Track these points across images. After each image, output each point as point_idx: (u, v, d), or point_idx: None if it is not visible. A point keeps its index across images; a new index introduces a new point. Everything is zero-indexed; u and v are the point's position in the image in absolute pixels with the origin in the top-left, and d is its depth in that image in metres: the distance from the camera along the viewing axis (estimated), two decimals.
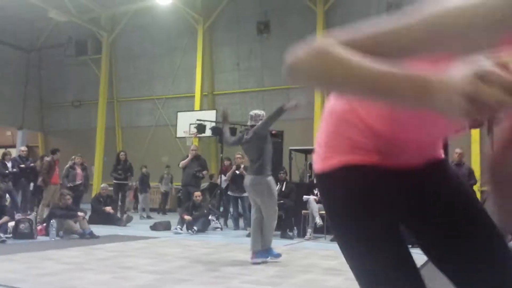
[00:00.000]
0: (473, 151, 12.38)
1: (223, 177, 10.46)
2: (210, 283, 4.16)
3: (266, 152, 5.36)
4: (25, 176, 10.68)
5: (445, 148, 8.13)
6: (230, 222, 10.36)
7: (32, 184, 11.12)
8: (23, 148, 11.06)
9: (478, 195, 9.19)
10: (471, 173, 8.25)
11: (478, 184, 8.79)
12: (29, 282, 4.02)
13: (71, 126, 19.96)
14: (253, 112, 5.64)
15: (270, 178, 5.39)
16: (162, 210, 14.52)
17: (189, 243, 7.05)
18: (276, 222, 5.49)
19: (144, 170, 13.28)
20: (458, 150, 8.32)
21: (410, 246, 1.13)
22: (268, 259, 5.36)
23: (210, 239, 7.96)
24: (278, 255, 5.42)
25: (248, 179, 5.46)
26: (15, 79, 19.63)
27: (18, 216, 7.55)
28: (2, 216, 7.19)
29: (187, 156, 10.25)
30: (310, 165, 10.66)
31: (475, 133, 10.64)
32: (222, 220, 10.19)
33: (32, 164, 10.98)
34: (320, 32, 15.04)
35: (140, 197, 13.25)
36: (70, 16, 16.95)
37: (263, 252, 5.33)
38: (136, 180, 13.15)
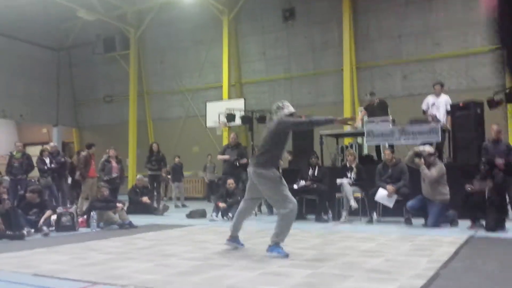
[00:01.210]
0: (511, 127, 12.04)
1: None
2: (249, 268, 4.20)
3: (272, 149, 5.02)
4: (57, 171, 10.85)
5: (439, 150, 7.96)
6: (264, 208, 10.42)
7: (70, 179, 11.42)
8: (52, 144, 11.32)
9: None
10: (510, 149, 8.01)
11: None
12: (74, 272, 4.11)
13: (104, 121, 20.39)
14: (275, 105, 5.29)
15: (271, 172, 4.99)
16: (207, 198, 14.57)
17: (225, 230, 7.10)
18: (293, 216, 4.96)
19: (177, 160, 13.46)
20: (494, 127, 8.10)
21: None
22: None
23: (245, 225, 8.00)
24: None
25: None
26: (47, 78, 20.15)
27: (59, 209, 7.77)
28: (44, 211, 7.43)
29: (224, 147, 10.30)
30: (342, 149, 10.59)
31: None
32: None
33: (62, 159, 11.23)
34: (346, 16, 14.80)
35: (173, 186, 13.45)
36: (98, 15, 17.23)
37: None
38: (168, 170, 13.35)
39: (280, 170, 5.19)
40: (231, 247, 5.32)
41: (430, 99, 9.51)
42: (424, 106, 9.51)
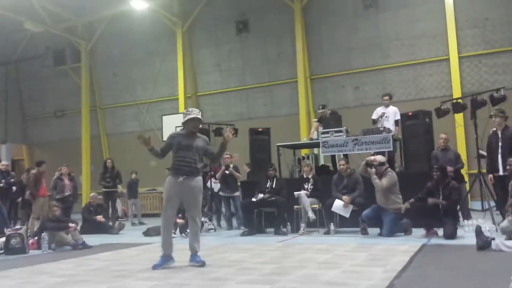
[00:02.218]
0: (458, 135, 12.56)
1: (213, 180, 10.42)
2: (207, 286, 4.16)
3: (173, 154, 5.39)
4: (3, 192, 10.36)
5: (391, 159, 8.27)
6: (223, 222, 10.36)
7: (20, 198, 10.95)
8: (4, 162, 10.81)
9: (466, 178, 9.34)
10: (457, 157, 8.36)
11: (465, 167, 8.92)
12: None
13: (55, 136, 19.74)
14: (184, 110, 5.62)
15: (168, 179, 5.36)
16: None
17: (184, 246, 7.01)
18: (161, 226, 5.37)
19: (134, 176, 13.17)
20: (443, 136, 8.42)
21: None
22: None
23: (204, 240, 7.92)
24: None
25: None
26: None
27: (8, 231, 7.44)
28: None
29: None
30: (299, 160, 10.71)
31: (459, 117, 10.78)
32: (215, 221, 10.18)
33: (12, 180, 10.78)
34: (298, 28, 15.09)
35: (129, 203, 13.15)
36: (45, 27, 16.76)
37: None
38: (124, 186, 13.03)
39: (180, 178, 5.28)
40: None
41: (379, 110, 9.84)
42: (374, 116, 9.82)
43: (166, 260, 5.28)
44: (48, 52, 18.95)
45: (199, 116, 5.41)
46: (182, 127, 5.52)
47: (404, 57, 14.25)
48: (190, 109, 5.50)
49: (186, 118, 5.35)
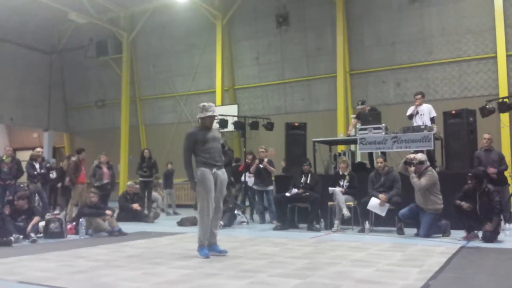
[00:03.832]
0: (503, 136, 12.07)
1: (247, 174, 10.42)
2: (238, 277, 4.15)
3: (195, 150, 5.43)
4: (42, 178, 10.62)
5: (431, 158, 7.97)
6: (256, 216, 10.36)
7: (59, 184, 11.29)
8: (39, 149, 11.12)
9: (509, 180, 8.95)
10: (501, 158, 8.02)
11: (509, 169, 8.56)
12: (61, 280, 4.07)
13: (96, 126, 20.26)
14: (201, 104, 5.58)
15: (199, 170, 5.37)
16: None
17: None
18: (204, 217, 5.34)
19: (169, 166, 13.33)
20: (486, 136, 8.10)
21: None
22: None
23: (237, 233, 7.97)
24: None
25: None
26: (38, 81, 20.04)
27: (48, 216, 7.68)
28: (32, 217, 7.34)
29: None
30: (335, 157, 10.56)
31: (505, 117, 10.35)
32: (247, 214, 10.20)
33: (48, 165, 11.11)
34: (340, 22, 14.84)
35: (165, 193, 13.33)
36: (89, 18, 17.17)
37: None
38: (160, 176, 13.23)
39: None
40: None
41: (412, 108, 9.47)
42: (408, 113, 9.49)
43: (212, 249, 5.41)
44: (91, 43, 19.43)
45: (214, 113, 5.54)
46: (217, 120, 5.59)
47: (449, 53, 13.77)
48: (207, 105, 5.55)
49: (206, 114, 5.45)
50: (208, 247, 5.41)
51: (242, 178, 10.38)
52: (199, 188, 5.36)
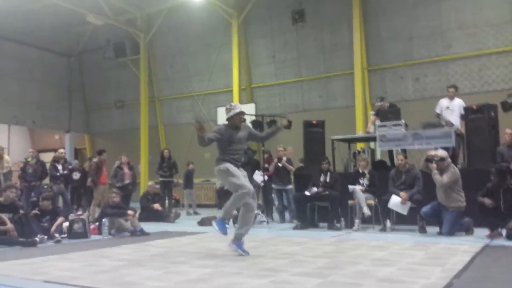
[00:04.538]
0: None
1: (257, 172, 10.33)
2: (259, 276, 4.17)
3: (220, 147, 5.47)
4: (64, 179, 10.67)
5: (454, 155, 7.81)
6: (275, 215, 10.36)
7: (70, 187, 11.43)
8: (62, 150, 11.27)
9: None
10: None
11: None
12: (86, 280, 4.13)
13: (116, 126, 20.50)
14: (225, 107, 5.62)
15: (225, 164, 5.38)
16: (219, 205, 14.34)
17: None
18: (240, 195, 5.29)
19: (190, 166, 13.40)
20: (509, 131, 7.97)
21: None
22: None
23: (257, 232, 7.98)
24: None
25: None
26: (58, 84, 20.37)
27: (72, 216, 7.82)
28: (56, 218, 7.47)
29: None
30: (354, 154, 10.49)
31: None
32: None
33: (70, 166, 11.30)
34: (356, 17, 14.72)
35: (185, 193, 13.42)
36: (107, 19, 17.36)
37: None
38: (180, 176, 13.32)
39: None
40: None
41: (444, 102, 9.38)
42: (437, 110, 9.39)
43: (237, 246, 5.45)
44: (108, 45, 19.64)
45: (243, 110, 5.60)
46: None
47: (468, 47, 13.54)
48: (233, 104, 5.62)
49: (232, 113, 5.47)
50: (236, 242, 5.42)
51: (259, 178, 10.33)
52: (228, 178, 5.35)
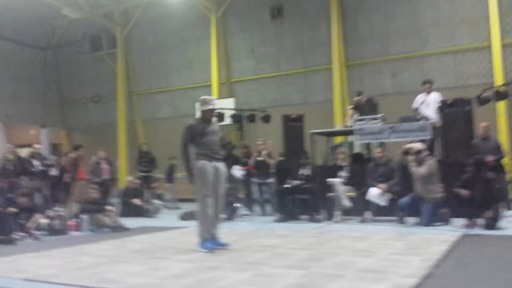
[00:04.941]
0: (500, 125, 12.13)
1: (235, 166, 10.31)
2: (242, 269, 4.19)
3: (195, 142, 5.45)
4: (41, 175, 10.47)
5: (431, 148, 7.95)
6: (257, 209, 10.39)
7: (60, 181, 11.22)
8: (37, 146, 11.00)
9: (508, 168, 9.01)
10: (498, 146, 8.08)
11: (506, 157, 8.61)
12: (65, 277, 4.09)
13: (93, 121, 20.18)
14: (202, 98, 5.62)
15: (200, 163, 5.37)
16: None
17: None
18: (205, 210, 5.34)
19: (172, 161, 13.35)
20: (483, 124, 8.15)
21: None
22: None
23: (238, 226, 8.01)
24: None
25: None
26: (33, 78, 19.91)
27: (50, 213, 7.70)
28: (34, 214, 7.34)
29: None
30: (333, 148, 10.60)
31: (501, 106, 10.39)
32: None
33: (46, 162, 11.07)
34: (334, 13, 14.83)
35: (166, 187, 13.37)
36: (83, 13, 17.05)
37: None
38: (161, 171, 13.23)
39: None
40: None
41: (420, 97, 9.53)
42: (415, 105, 9.54)
43: (215, 243, 5.43)
44: (85, 38, 19.27)
45: (216, 107, 5.63)
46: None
47: (444, 43, 13.78)
48: (208, 98, 5.60)
49: (207, 108, 5.48)
50: (211, 241, 5.44)
51: (239, 172, 10.30)
52: (198, 181, 5.36)
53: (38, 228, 7.28)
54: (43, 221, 7.46)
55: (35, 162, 10.42)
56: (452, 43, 13.69)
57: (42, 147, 11.58)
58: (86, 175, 10.67)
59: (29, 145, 11.49)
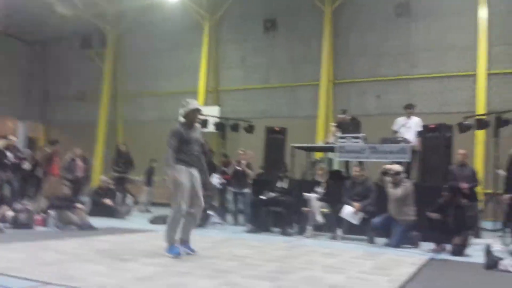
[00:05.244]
0: (477, 152, 12.30)
1: (215, 174, 10.27)
2: (210, 277, 4.12)
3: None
4: (13, 167, 10.18)
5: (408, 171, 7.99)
6: (229, 218, 10.31)
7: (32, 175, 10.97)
8: (12, 137, 10.74)
9: (481, 197, 9.11)
10: (474, 174, 8.17)
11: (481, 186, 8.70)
12: (27, 271, 3.99)
13: (74, 118, 19.92)
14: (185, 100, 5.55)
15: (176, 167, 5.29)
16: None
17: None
18: (177, 216, 5.25)
19: (153, 164, 13.24)
20: (461, 151, 8.24)
21: None
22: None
23: (209, 233, 7.92)
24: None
25: None
26: (19, 71, 19.70)
27: (17, 206, 7.51)
28: (1, 206, 7.16)
29: None
30: (313, 163, 10.60)
31: (480, 134, 10.54)
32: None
33: (20, 155, 10.81)
34: (327, 31, 14.97)
35: (146, 189, 13.24)
36: (76, 10, 16.91)
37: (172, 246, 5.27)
38: (139, 173, 13.11)
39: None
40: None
41: (400, 120, 9.60)
42: (395, 127, 9.59)
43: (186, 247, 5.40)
44: (75, 35, 19.14)
45: (199, 107, 5.57)
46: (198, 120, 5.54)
47: (432, 69, 13.98)
48: (189, 100, 5.52)
49: (190, 108, 5.42)
50: (182, 244, 5.37)
51: (217, 180, 10.25)
52: (173, 186, 5.27)
53: (3, 220, 7.09)
54: (9, 213, 7.27)
55: (9, 154, 10.16)
56: (440, 69, 13.90)
57: (17, 140, 11.30)
58: (60, 171, 10.46)
59: (4, 137, 11.18)
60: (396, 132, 9.45)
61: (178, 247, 5.28)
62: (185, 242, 5.43)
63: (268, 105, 16.27)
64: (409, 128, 9.32)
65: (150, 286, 3.70)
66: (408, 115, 9.51)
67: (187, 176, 5.29)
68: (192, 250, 5.39)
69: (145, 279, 3.93)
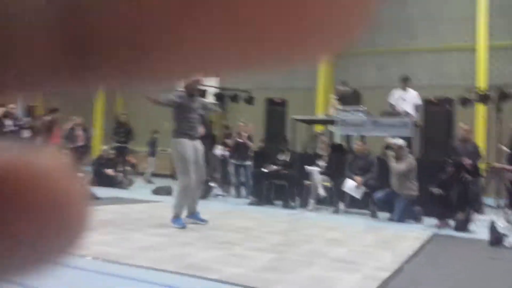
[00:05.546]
0: (479, 127, 12.27)
1: (220, 147, 10.27)
2: (213, 248, 4.13)
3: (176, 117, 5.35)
4: (13, 136, 10.28)
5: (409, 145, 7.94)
6: (232, 190, 10.32)
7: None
8: (12, 105, 10.63)
9: (484, 172, 9.10)
10: (477, 150, 8.16)
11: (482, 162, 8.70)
12: None
13: None
14: None
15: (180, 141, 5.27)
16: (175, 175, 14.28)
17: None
18: (184, 187, 5.27)
19: (156, 135, 13.20)
20: (465, 127, 8.20)
21: None
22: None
23: (211, 205, 7.93)
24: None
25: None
26: None
27: None
28: None
29: None
30: (314, 136, 10.54)
31: (481, 109, 10.49)
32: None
33: (20, 123, 10.74)
34: None
35: (149, 160, 13.24)
36: None
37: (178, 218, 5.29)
38: (139, 144, 13.10)
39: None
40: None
41: (397, 93, 9.37)
42: (391, 100, 9.41)
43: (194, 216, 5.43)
44: None
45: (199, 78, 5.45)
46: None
47: (431, 40, 13.81)
48: None
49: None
50: (190, 215, 5.41)
51: (220, 152, 10.26)
52: (179, 161, 5.28)
53: None
54: None
55: (8, 122, 10.06)
56: (439, 41, 13.75)
57: (17, 107, 11.18)
58: (60, 140, 10.37)
59: (2, 105, 11.04)
60: (392, 105, 9.32)
61: (183, 219, 5.30)
62: (193, 213, 5.44)
63: (266, 76, 16.07)
64: (406, 101, 9.19)
65: (154, 256, 3.70)
66: (404, 88, 9.33)
67: (191, 150, 5.26)
68: (203, 220, 5.41)
69: (149, 249, 3.94)
